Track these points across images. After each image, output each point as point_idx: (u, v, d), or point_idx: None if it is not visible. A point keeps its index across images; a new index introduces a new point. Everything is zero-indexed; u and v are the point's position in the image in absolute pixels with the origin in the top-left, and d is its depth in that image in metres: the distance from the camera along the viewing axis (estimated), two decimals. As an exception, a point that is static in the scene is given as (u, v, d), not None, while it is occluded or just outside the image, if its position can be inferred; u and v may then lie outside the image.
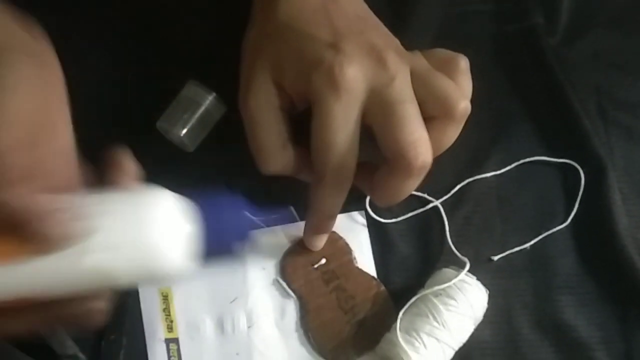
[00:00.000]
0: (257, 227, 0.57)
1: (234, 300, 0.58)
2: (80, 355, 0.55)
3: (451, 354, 0.55)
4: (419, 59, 0.52)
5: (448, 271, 0.56)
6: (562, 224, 0.60)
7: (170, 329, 0.57)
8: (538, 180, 0.62)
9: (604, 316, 0.58)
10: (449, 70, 0.52)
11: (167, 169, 0.59)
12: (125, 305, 0.57)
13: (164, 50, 0.61)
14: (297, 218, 0.59)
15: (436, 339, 0.53)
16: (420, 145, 0.48)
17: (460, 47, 0.64)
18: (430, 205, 0.60)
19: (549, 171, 0.62)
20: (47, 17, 0.41)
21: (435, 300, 0.54)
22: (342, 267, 0.58)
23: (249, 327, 0.57)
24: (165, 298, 0.58)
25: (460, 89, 0.51)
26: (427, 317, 0.54)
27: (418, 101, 0.49)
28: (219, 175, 0.59)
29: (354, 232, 0.59)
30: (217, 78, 0.58)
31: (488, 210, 0.61)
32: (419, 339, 0.53)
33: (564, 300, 0.59)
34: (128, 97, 0.61)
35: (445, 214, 0.60)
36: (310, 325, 0.57)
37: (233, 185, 0.47)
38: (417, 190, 0.60)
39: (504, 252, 0.59)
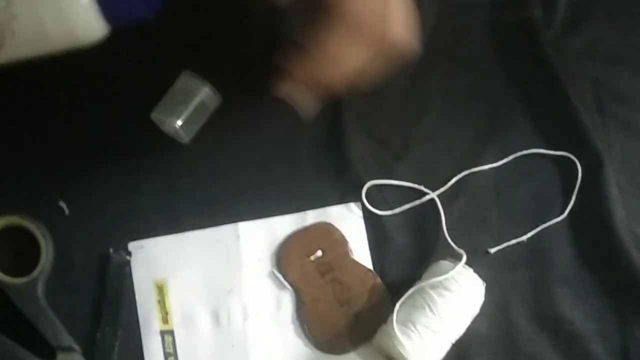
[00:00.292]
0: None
1: (229, 292, 0.58)
2: (76, 346, 0.55)
3: (448, 345, 0.55)
4: None
5: (445, 263, 0.56)
6: (559, 216, 0.60)
7: (165, 320, 0.57)
8: (535, 173, 0.62)
9: (600, 309, 0.58)
10: None
11: (161, 159, 0.60)
12: (120, 297, 0.57)
13: (159, 40, 0.61)
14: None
15: (432, 330, 0.53)
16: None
17: (457, 39, 0.64)
18: (427, 197, 0.60)
19: (546, 164, 0.62)
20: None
21: (431, 292, 0.54)
22: (338, 259, 0.58)
23: (244, 319, 0.57)
24: (161, 290, 0.57)
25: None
26: (424, 308, 0.54)
27: None
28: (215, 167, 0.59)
29: (350, 224, 0.59)
30: (213, 69, 0.58)
31: (485, 203, 0.61)
32: (415, 331, 0.53)
33: (560, 292, 0.59)
34: (123, 88, 0.61)
35: (442, 206, 0.60)
36: (306, 317, 0.57)
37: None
38: (413, 182, 0.60)
39: (501, 244, 0.59)
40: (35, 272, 0.56)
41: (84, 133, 0.60)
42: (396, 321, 0.54)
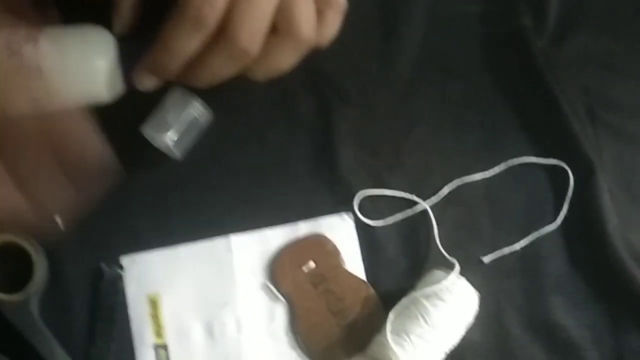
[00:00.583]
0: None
1: (223, 305, 0.58)
2: (69, 362, 0.55)
3: (442, 355, 0.54)
4: None
5: (438, 273, 0.56)
6: (551, 225, 0.60)
7: (159, 334, 0.57)
8: (527, 181, 0.62)
9: (594, 316, 0.58)
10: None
11: (153, 174, 0.60)
12: (113, 310, 0.57)
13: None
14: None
15: (426, 340, 0.53)
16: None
17: (448, 49, 0.65)
18: (419, 207, 0.60)
19: (538, 172, 0.62)
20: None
21: (425, 302, 0.54)
22: (331, 270, 0.58)
23: (238, 331, 0.57)
24: (154, 304, 0.57)
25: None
26: (417, 318, 0.54)
27: None
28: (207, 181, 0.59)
29: (342, 234, 0.59)
30: None
31: (477, 212, 0.61)
32: (408, 341, 0.53)
33: (554, 300, 0.59)
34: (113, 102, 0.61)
35: (435, 216, 0.60)
36: (300, 329, 0.57)
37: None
38: (405, 192, 0.60)
39: (494, 253, 0.59)
40: (29, 288, 0.56)
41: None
42: (390, 331, 0.54)
